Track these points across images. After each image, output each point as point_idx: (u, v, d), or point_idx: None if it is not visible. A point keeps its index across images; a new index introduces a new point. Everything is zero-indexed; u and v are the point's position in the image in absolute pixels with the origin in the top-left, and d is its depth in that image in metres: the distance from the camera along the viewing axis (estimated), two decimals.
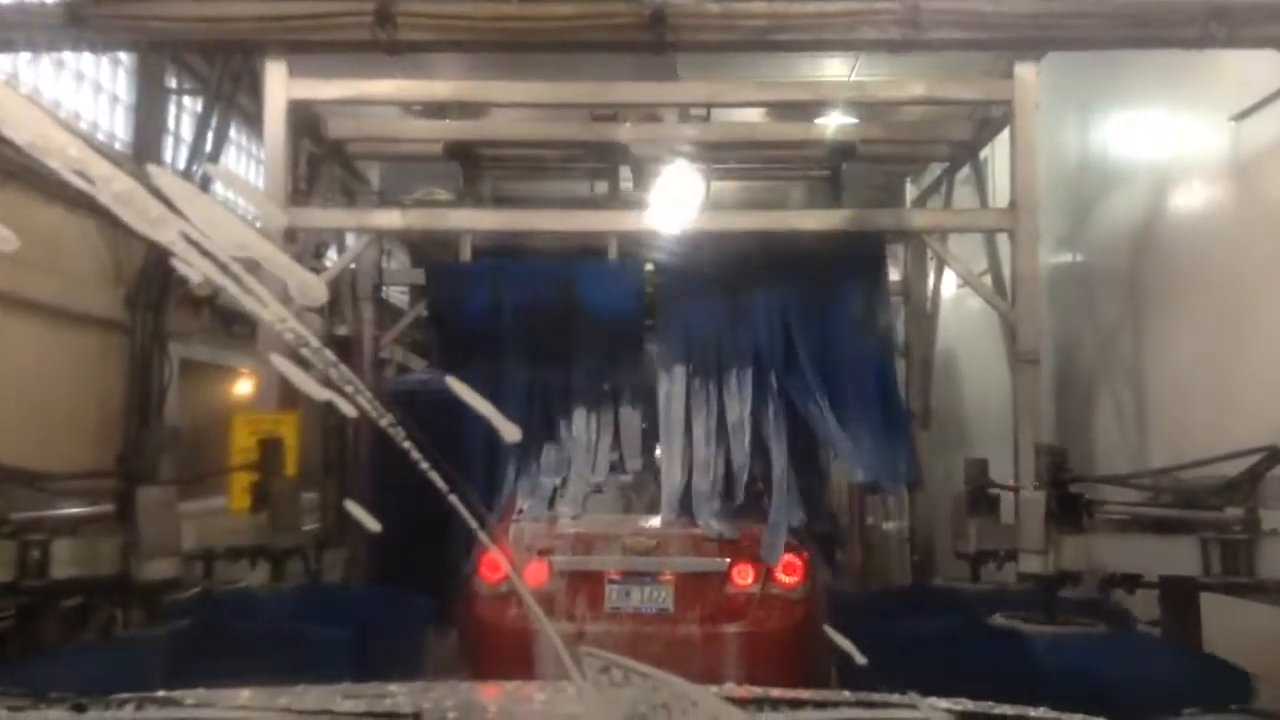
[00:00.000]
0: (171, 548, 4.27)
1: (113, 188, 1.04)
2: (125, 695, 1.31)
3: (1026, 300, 6.61)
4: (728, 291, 7.23)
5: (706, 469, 6.62)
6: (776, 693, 1.42)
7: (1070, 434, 7.34)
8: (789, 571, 6.00)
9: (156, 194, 1.08)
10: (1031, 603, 4.36)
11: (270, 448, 5.49)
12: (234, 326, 8.46)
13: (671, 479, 6.53)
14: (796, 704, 1.38)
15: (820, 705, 1.39)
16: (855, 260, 7.37)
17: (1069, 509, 4.32)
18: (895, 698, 1.34)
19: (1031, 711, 1.36)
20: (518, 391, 7.01)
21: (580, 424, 7.05)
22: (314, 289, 1.16)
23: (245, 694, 1.37)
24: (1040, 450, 4.52)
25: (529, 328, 7.21)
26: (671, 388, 7.02)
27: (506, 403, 6.87)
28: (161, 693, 1.37)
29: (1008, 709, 1.38)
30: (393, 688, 1.44)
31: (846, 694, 1.43)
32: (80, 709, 1.28)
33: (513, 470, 6.81)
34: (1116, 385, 7.19)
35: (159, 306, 7.40)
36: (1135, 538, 4.29)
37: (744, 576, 5.98)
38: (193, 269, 1.07)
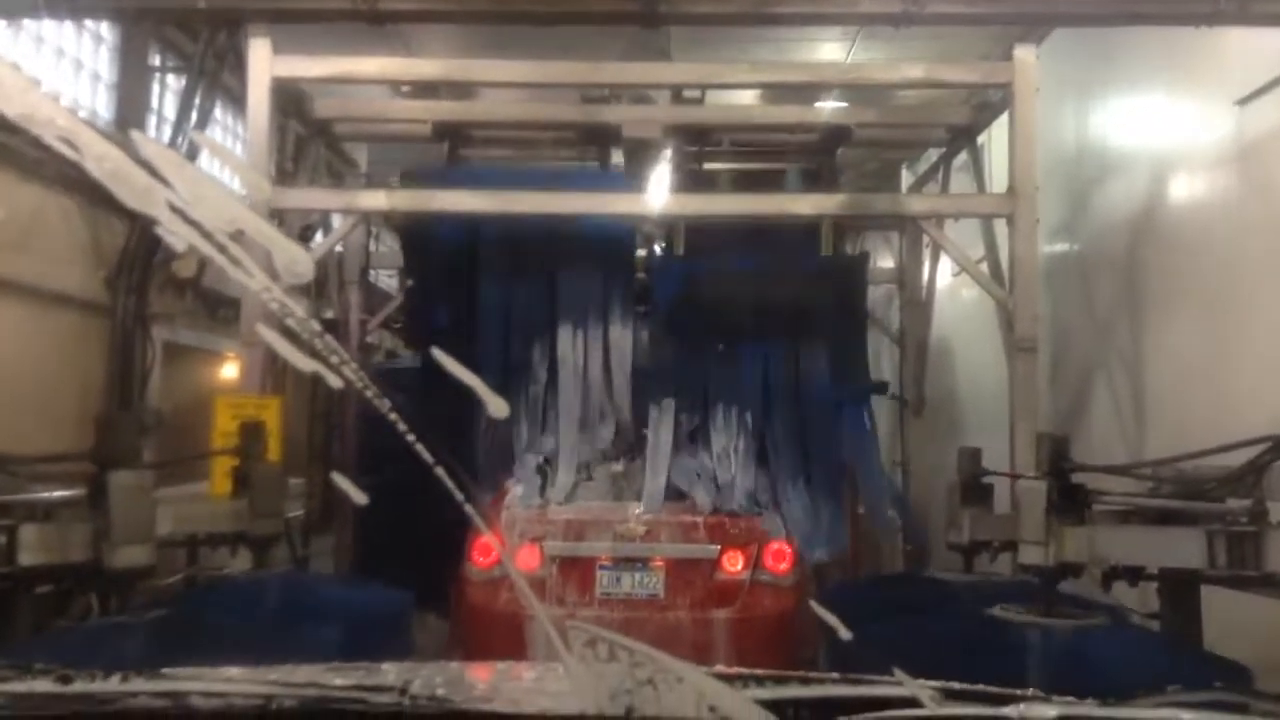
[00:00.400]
0: (144, 534, 4.10)
1: (99, 159, 1.05)
2: (112, 669, 1.32)
3: (1025, 287, 6.50)
4: (717, 330, 7.36)
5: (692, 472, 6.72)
6: (761, 671, 1.43)
7: (1065, 423, 7.22)
8: (779, 559, 6.04)
9: (143, 164, 1.07)
10: (1028, 595, 4.25)
11: (251, 431, 5.34)
12: (219, 310, 8.30)
13: (655, 480, 6.57)
14: (781, 680, 1.39)
15: (805, 682, 1.40)
16: (839, 302, 7.53)
17: (1070, 499, 4.18)
18: (881, 677, 1.35)
19: (1018, 691, 1.36)
20: (497, 322, 7.03)
21: (568, 369, 7.05)
22: (301, 263, 1.17)
23: (234, 670, 1.37)
24: (1042, 439, 4.41)
25: (509, 243, 7.17)
26: (660, 414, 7.06)
27: (486, 332, 6.91)
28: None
29: (994, 689, 1.37)
30: (384, 667, 1.45)
31: (833, 674, 1.45)
32: (66, 680, 1.30)
33: (498, 442, 6.77)
34: (1113, 373, 7.07)
35: (141, 288, 7.22)
36: (1138, 529, 4.16)
37: (734, 563, 6.02)
38: (178, 238, 1.07)
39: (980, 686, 1.32)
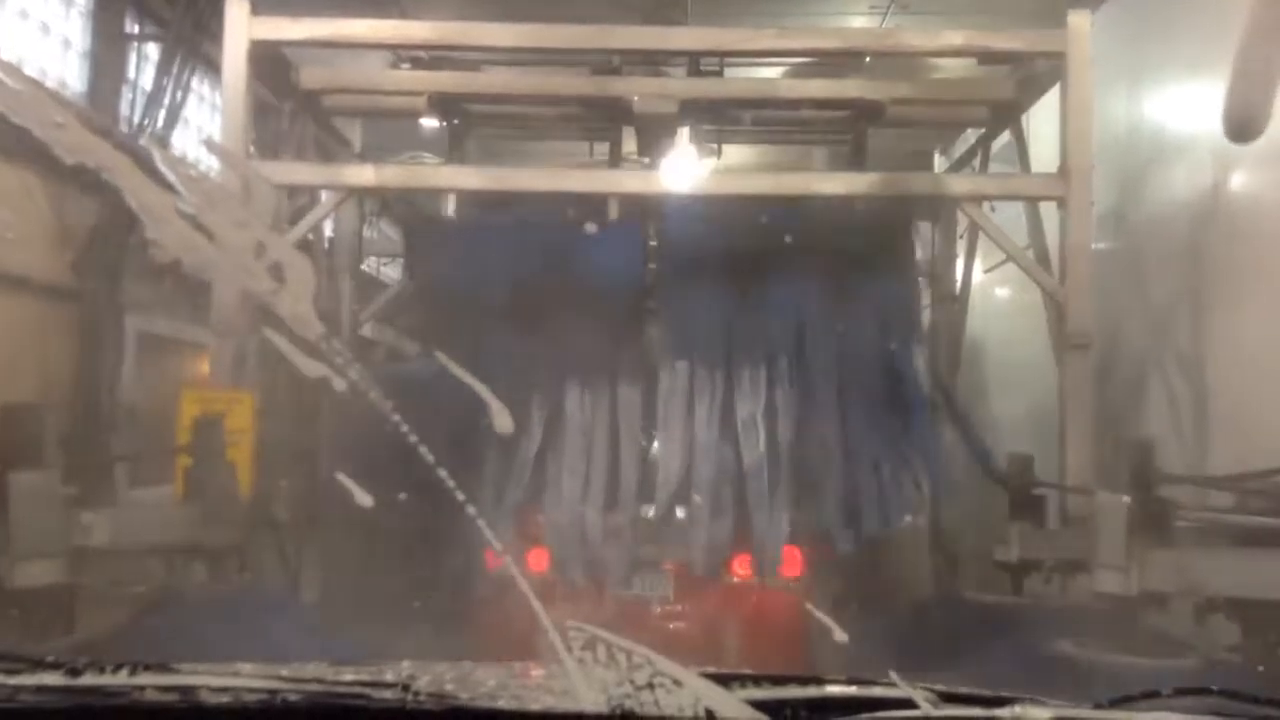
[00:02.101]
0: (52, 547, 3.86)
1: (123, 173, 1.17)
2: (121, 661, 1.42)
3: (1078, 277, 6.50)
4: (737, 277, 7.16)
5: (706, 477, 6.71)
6: (758, 672, 1.52)
7: (1112, 429, 7.18)
8: (790, 564, 6.32)
9: (154, 172, 1.17)
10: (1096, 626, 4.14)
11: (205, 428, 5.12)
12: (200, 298, 8.36)
13: (667, 480, 6.68)
14: (779, 681, 1.47)
15: (803, 683, 1.49)
16: (880, 243, 7.32)
17: (1155, 517, 4.00)
18: (878, 678, 1.43)
19: (1013, 694, 1.44)
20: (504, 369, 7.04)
21: (575, 424, 7.02)
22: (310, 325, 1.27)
23: (242, 665, 1.48)
24: (1124, 446, 4.22)
25: (518, 293, 7.11)
26: (674, 380, 7.01)
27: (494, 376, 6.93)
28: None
29: (987, 691, 1.45)
30: (405, 664, 1.56)
31: (831, 676, 1.54)
32: (75, 673, 1.39)
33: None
34: (1169, 373, 7.04)
35: (114, 273, 7.29)
36: (1242, 554, 3.94)
37: (744, 567, 6.32)
38: (183, 243, 1.18)
39: (976, 689, 1.42)
